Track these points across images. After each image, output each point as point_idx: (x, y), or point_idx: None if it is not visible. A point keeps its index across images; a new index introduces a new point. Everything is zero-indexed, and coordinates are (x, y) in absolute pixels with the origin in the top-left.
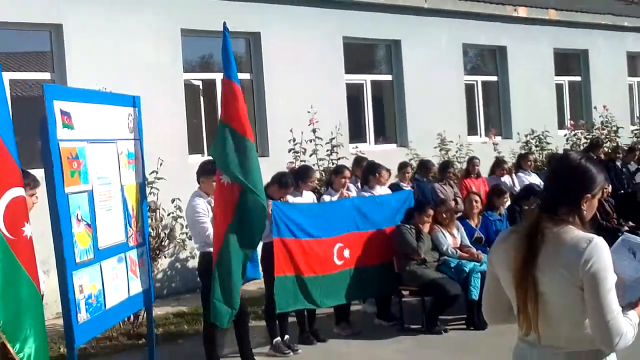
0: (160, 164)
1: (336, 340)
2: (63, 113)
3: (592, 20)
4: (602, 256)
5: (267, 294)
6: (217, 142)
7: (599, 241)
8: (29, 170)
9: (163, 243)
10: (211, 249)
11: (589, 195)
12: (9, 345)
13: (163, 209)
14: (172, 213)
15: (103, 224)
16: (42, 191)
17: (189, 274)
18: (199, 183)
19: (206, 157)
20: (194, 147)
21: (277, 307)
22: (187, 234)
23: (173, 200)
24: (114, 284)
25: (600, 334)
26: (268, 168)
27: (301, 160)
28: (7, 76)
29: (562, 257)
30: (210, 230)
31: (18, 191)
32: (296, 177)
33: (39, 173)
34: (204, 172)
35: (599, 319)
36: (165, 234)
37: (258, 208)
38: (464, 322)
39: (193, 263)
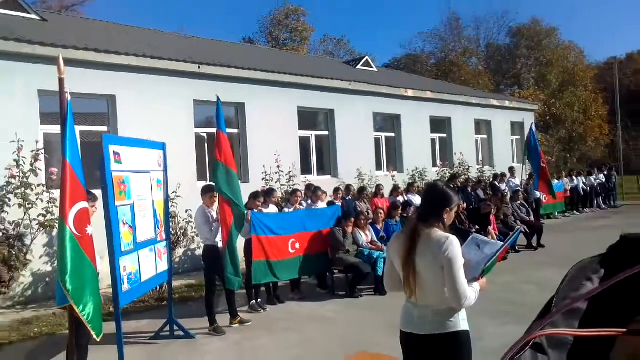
0: (179, 187)
1: (291, 302)
2: (115, 153)
3: (453, 99)
4: (454, 248)
5: (247, 272)
6: (214, 173)
7: (453, 239)
8: (91, 190)
9: (179, 239)
10: (210, 243)
11: (448, 209)
12: (75, 307)
13: (180, 217)
14: (186, 219)
15: (140, 226)
16: (100, 204)
17: (196, 259)
18: (202, 199)
19: (208, 183)
20: (201, 175)
21: (253, 280)
22: (195, 233)
23: (186, 211)
24: (147, 265)
25: (453, 297)
26: (248, 190)
27: (269, 185)
28: (79, 128)
29: (430, 248)
30: (210, 231)
31: (83, 204)
32: (265, 194)
33: (98, 192)
34: (204, 191)
35: (452, 287)
36: (181, 233)
37: (239, 214)
38: (372, 290)
39: (199, 252)
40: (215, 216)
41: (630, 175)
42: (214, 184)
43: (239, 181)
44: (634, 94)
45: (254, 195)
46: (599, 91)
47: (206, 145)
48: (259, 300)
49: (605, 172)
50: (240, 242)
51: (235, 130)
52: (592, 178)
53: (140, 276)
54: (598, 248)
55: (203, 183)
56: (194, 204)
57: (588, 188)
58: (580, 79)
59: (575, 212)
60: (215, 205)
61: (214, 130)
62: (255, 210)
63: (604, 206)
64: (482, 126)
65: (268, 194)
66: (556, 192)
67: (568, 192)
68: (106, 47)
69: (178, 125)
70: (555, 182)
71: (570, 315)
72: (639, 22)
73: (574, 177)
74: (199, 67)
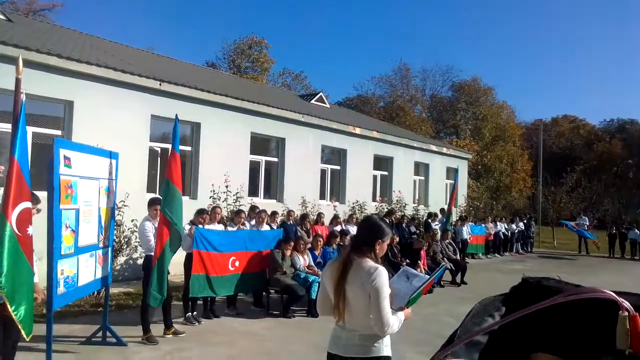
0: (127, 196)
1: (226, 317)
2: (66, 157)
3: (397, 140)
4: (381, 278)
5: (185, 285)
6: (162, 190)
7: (382, 269)
8: (34, 192)
9: (122, 247)
10: (151, 253)
11: (381, 241)
12: (9, 306)
13: (125, 225)
14: (131, 228)
15: (83, 231)
16: (44, 206)
17: (137, 268)
18: (148, 211)
19: (155, 195)
20: (150, 188)
21: (191, 293)
22: (138, 242)
23: (132, 220)
24: (86, 270)
25: (377, 324)
26: (196, 206)
27: (215, 204)
28: (31, 129)
29: (360, 277)
30: (152, 242)
31: (27, 204)
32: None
33: (43, 194)
34: (150, 204)
35: (377, 315)
36: (124, 241)
37: (176, 235)
38: (305, 311)
39: (140, 261)
40: None
41: (546, 226)
42: (160, 197)
43: (182, 201)
44: (555, 153)
45: (200, 212)
46: (525, 148)
47: (159, 159)
48: (195, 313)
49: (525, 221)
50: (181, 256)
51: (189, 148)
52: (513, 225)
53: (77, 280)
54: (510, 287)
55: (151, 195)
56: (140, 214)
57: (509, 234)
58: (510, 135)
59: (496, 254)
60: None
61: (168, 145)
62: (200, 226)
63: (521, 251)
64: (421, 168)
65: (211, 212)
66: (478, 235)
67: (491, 235)
68: (69, 54)
69: (134, 137)
70: (482, 225)
71: (472, 347)
72: (564, 90)
73: (497, 223)
74: (160, 84)
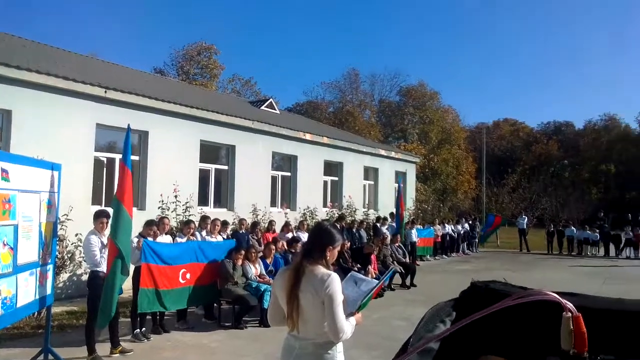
0: (70, 210)
1: (176, 332)
2: (3, 170)
3: (346, 145)
4: (335, 285)
5: (133, 299)
6: (113, 210)
7: (335, 276)
8: None
9: (66, 263)
10: (97, 269)
11: (332, 247)
12: None
13: (68, 240)
14: (75, 243)
15: (23, 248)
16: None
17: (81, 285)
18: (94, 224)
19: (102, 208)
20: (96, 200)
21: (139, 309)
22: (83, 257)
23: (76, 235)
24: (25, 290)
25: (331, 331)
26: (144, 217)
27: (164, 215)
28: None
29: (313, 284)
30: (98, 257)
31: None
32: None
33: None
34: (96, 217)
35: (331, 321)
36: (68, 257)
37: (124, 263)
38: (258, 322)
39: (85, 277)
40: (105, 242)
41: None
42: (107, 209)
43: (131, 225)
44: (497, 155)
45: (148, 223)
46: (470, 151)
47: (104, 169)
48: (144, 329)
49: (470, 222)
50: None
51: (136, 157)
52: (459, 226)
53: (16, 301)
54: (459, 288)
55: (97, 207)
56: (85, 228)
57: (455, 235)
58: (455, 138)
59: (443, 255)
60: (107, 231)
61: (114, 155)
62: (149, 239)
63: (467, 251)
64: (370, 173)
65: (157, 223)
66: (427, 238)
67: (439, 237)
68: (6, 60)
69: (77, 147)
70: (430, 227)
71: (424, 354)
72: (504, 95)
73: (445, 225)
74: (105, 92)
